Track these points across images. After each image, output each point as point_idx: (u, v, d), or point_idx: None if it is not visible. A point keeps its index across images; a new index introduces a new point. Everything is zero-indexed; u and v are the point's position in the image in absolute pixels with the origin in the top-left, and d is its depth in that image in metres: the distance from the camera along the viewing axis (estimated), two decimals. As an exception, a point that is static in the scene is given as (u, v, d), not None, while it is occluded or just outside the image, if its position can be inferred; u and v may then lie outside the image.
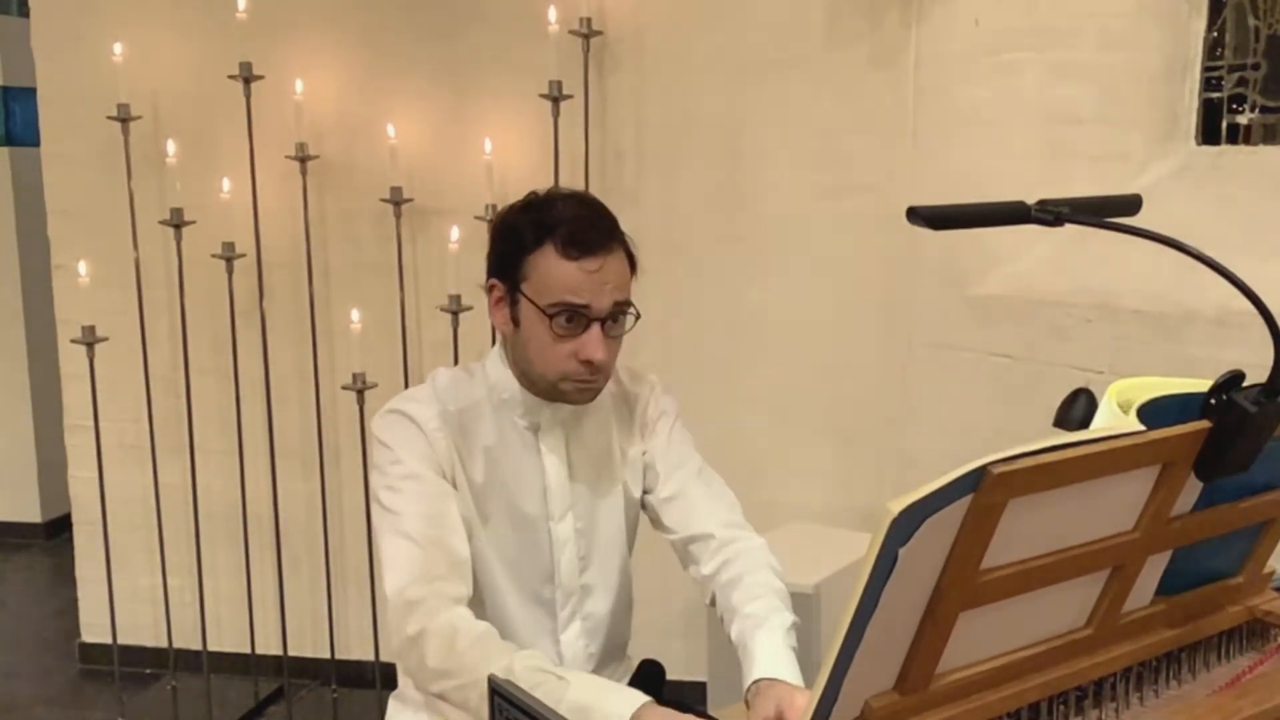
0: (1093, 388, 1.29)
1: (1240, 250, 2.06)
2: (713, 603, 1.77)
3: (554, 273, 1.62)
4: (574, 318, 1.63)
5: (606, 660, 1.86)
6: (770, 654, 1.57)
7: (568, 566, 1.78)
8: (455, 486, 1.70)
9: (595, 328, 1.63)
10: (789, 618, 1.64)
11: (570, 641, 1.79)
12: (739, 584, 1.71)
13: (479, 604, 1.73)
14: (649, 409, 1.85)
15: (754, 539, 1.79)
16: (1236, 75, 2.93)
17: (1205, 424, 1.16)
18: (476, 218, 3.24)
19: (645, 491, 1.85)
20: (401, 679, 1.83)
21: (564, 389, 1.68)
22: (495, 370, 1.75)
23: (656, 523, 1.87)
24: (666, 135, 3.27)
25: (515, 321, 1.68)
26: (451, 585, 1.62)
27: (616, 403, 1.84)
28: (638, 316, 1.69)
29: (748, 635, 1.61)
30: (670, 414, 1.86)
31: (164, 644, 3.55)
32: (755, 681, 1.54)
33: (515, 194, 3.37)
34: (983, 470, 1.00)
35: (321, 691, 3.57)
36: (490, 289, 1.71)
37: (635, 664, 1.93)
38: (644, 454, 1.85)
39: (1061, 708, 1.23)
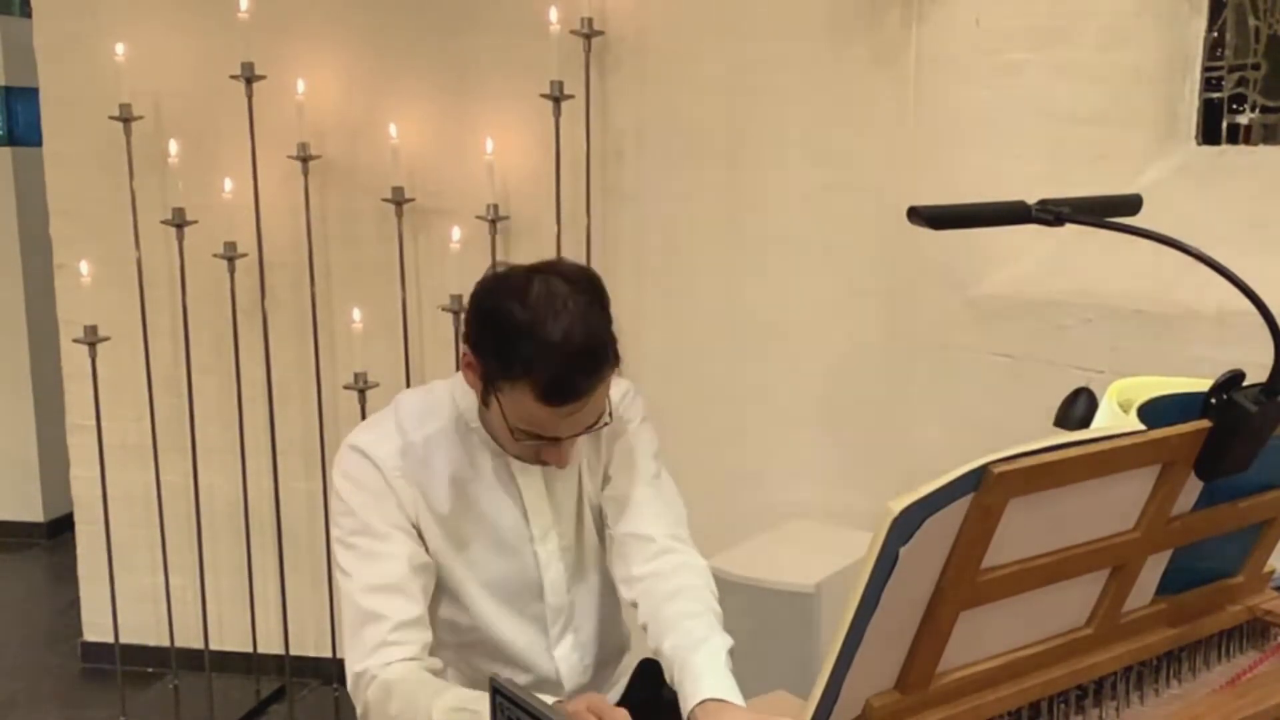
0: (1093, 387, 1.29)
1: (1240, 250, 2.07)
2: (634, 605, 1.73)
3: (527, 409, 1.53)
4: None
5: (602, 667, 1.86)
6: (716, 674, 1.52)
7: (556, 584, 1.75)
8: (419, 525, 1.66)
9: (563, 443, 1.59)
10: (728, 640, 1.60)
11: (564, 656, 1.78)
12: (677, 597, 1.65)
13: (472, 629, 1.73)
14: (617, 417, 1.78)
15: (697, 558, 1.74)
16: (1236, 75, 2.93)
17: (1205, 424, 1.17)
18: (478, 217, 3.24)
19: (602, 490, 1.81)
20: None
21: (521, 459, 1.67)
22: (465, 398, 1.68)
23: (602, 540, 1.83)
24: (667, 135, 3.27)
25: (483, 397, 1.61)
26: (396, 649, 1.60)
27: None
28: (610, 421, 1.64)
29: (687, 651, 1.56)
30: (635, 419, 1.80)
31: (166, 643, 3.55)
32: (702, 702, 1.50)
33: (516, 194, 3.42)
34: (983, 470, 1.00)
35: (323, 690, 3.57)
36: (464, 352, 1.60)
37: (634, 663, 1.93)
38: (602, 467, 1.80)
39: (1062, 707, 1.24)
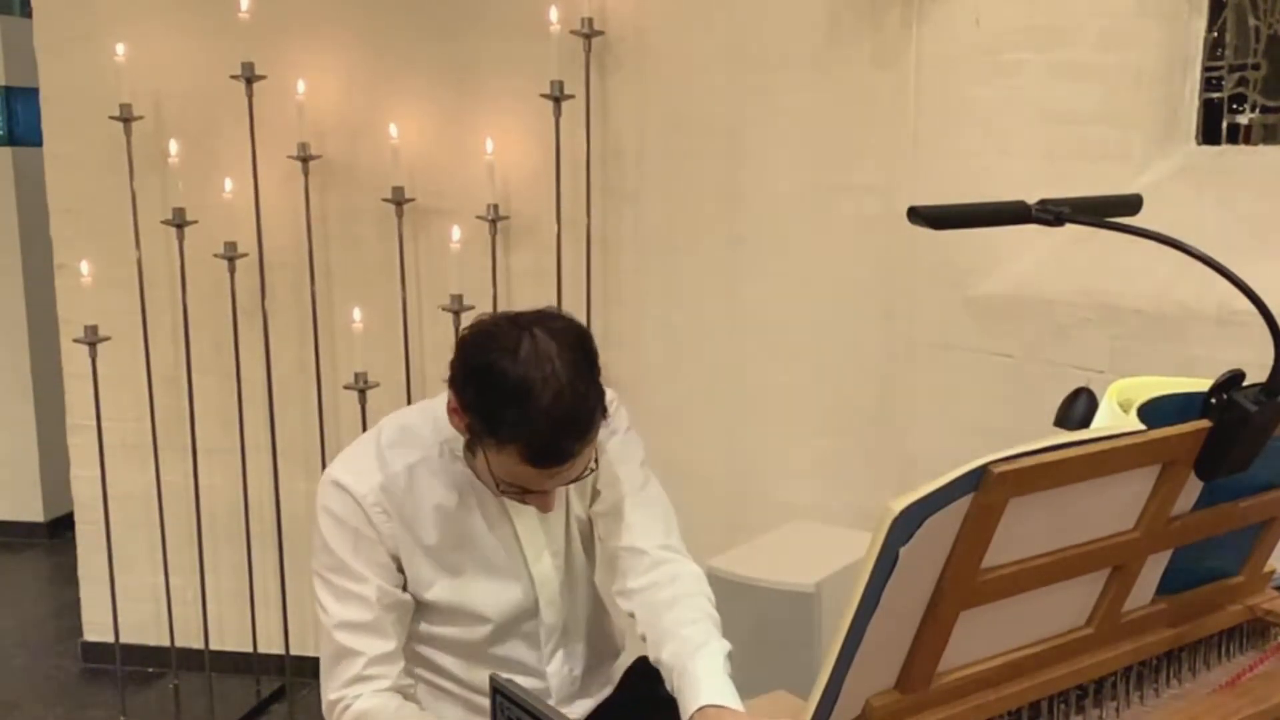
0: (1093, 387, 1.29)
1: (1240, 250, 2.06)
2: (632, 616, 1.72)
3: (513, 469, 1.53)
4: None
5: (592, 672, 1.86)
6: (714, 677, 1.52)
7: (551, 602, 1.75)
8: (402, 559, 1.66)
9: (549, 494, 1.59)
10: (726, 645, 1.59)
11: (555, 670, 1.79)
12: (674, 606, 1.65)
13: (466, 648, 1.73)
14: (601, 430, 1.75)
15: (690, 565, 1.74)
16: (1236, 75, 2.93)
17: (1205, 423, 1.17)
18: (478, 217, 3.24)
19: (591, 505, 1.80)
20: None
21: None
22: (448, 422, 1.63)
23: (591, 558, 1.83)
24: (667, 135, 3.27)
25: (469, 448, 1.59)
26: (371, 683, 1.64)
27: None
28: (595, 469, 1.62)
29: (686, 658, 1.56)
30: (621, 429, 1.77)
31: (166, 643, 3.55)
32: (701, 708, 1.49)
33: (516, 194, 3.42)
34: (983, 469, 1.00)
35: (323, 690, 3.57)
36: (450, 399, 1.57)
37: (629, 662, 1.93)
38: (590, 481, 1.77)
39: (1062, 706, 1.24)
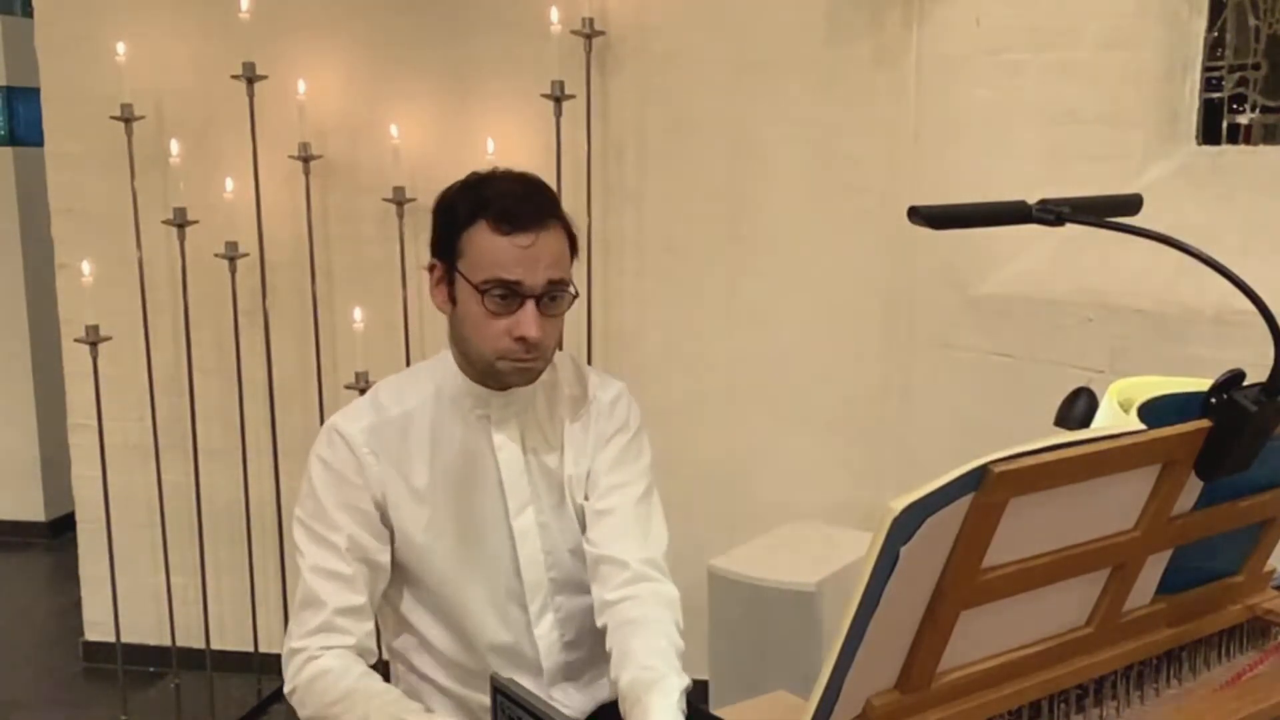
0: (1093, 387, 1.29)
1: (1240, 250, 2.07)
2: (602, 629, 1.70)
3: (486, 247, 1.61)
4: (507, 295, 1.61)
5: (584, 638, 1.81)
6: (665, 715, 1.47)
7: (532, 560, 1.75)
8: (388, 505, 1.68)
9: (529, 305, 1.61)
10: (685, 680, 1.55)
11: (545, 634, 1.77)
12: (640, 629, 1.62)
13: (450, 609, 1.73)
14: (607, 420, 1.78)
15: (669, 587, 1.71)
16: (1237, 75, 2.93)
17: (1205, 423, 1.17)
18: (479, 217, 3.25)
19: (585, 497, 1.78)
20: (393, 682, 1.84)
21: (501, 368, 1.66)
22: (442, 367, 1.73)
23: (583, 528, 1.80)
24: (669, 135, 3.27)
25: (453, 300, 1.67)
26: (335, 636, 1.66)
27: (575, 405, 1.78)
28: (575, 295, 1.67)
29: (641, 689, 1.53)
30: (629, 429, 1.79)
31: (167, 642, 3.56)
32: None
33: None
34: (984, 469, 1.00)
35: (324, 690, 3.57)
36: (431, 269, 1.70)
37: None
38: (589, 464, 1.78)
39: (1062, 706, 1.24)
